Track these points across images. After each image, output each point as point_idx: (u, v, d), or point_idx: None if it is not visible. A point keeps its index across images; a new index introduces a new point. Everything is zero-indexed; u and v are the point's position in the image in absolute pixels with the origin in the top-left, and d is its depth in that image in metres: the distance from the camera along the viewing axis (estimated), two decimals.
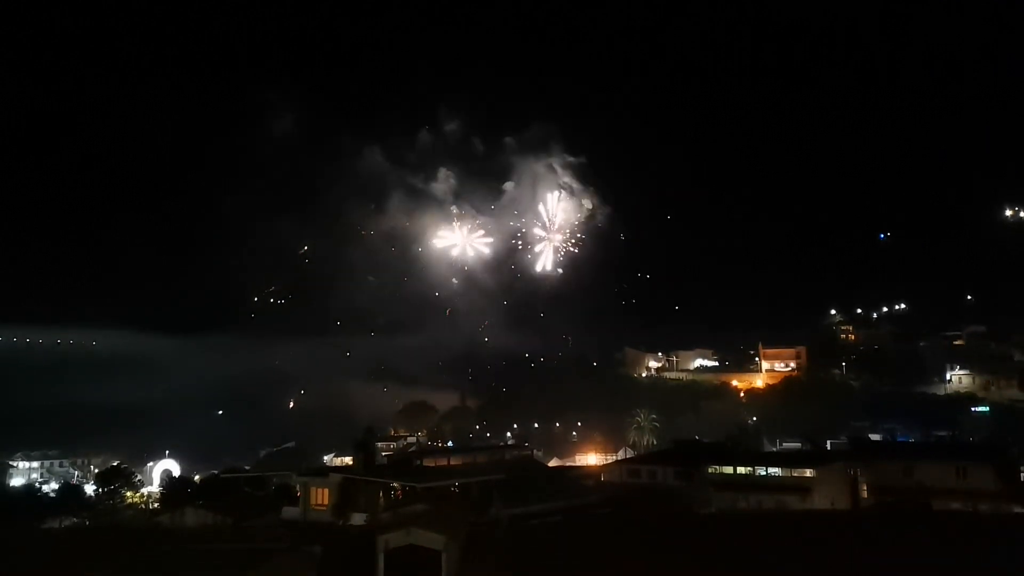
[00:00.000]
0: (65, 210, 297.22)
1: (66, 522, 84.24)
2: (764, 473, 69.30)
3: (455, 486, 59.24)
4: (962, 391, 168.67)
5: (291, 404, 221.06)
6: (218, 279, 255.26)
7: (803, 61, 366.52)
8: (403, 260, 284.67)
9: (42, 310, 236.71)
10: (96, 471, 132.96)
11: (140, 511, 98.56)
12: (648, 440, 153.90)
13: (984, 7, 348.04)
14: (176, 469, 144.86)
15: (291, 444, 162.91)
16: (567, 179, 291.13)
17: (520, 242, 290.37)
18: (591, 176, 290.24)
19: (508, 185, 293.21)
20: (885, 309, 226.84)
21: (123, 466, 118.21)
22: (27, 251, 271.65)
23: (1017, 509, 59.50)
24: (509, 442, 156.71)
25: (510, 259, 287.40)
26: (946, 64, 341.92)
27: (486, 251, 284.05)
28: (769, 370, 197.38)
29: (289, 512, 60.83)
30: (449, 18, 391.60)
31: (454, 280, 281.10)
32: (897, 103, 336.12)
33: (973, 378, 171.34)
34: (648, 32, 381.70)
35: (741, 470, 70.47)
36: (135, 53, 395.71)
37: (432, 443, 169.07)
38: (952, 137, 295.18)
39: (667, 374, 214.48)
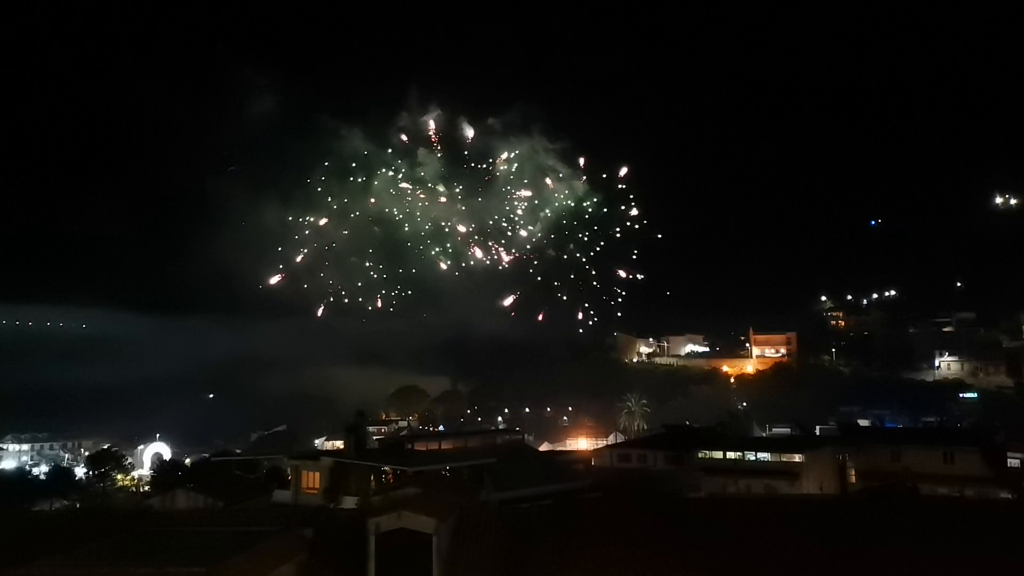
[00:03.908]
0: (48, 190, 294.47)
1: (57, 505, 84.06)
2: (754, 458, 69.70)
3: (446, 470, 59.02)
4: (951, 377, 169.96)
5: (282, 387, 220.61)
6: (206, 260, 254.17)
7: (798, 55, 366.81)
8: (390, 241, 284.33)
9: (30, 292, 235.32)
10: (87, 454, 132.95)
11: (131, 494, 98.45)
12: (638, 425, 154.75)
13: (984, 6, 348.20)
14: (167, 452, 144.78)
15: (282, 428, 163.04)
16: (554, 162, 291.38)
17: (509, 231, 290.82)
18: (582, 162, 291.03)
19: (497, 166, 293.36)
20: (875, 295, 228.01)
21: (114, 449, 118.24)
22: (12, 233, 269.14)
23: (1004, 494, 59.98)
24: (500, 426, 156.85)
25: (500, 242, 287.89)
26: (940, 57, 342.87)
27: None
28: (759, 356, 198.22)
29: (280, 495, 60.51)
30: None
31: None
32: (891, 94, 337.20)
33: (962, 364, 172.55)
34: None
35: (731, 455, 70.79)
36: (113, 29, 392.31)
37: (423, 427, 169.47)
38: (943, 126, 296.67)
39: (658, 359, 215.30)
